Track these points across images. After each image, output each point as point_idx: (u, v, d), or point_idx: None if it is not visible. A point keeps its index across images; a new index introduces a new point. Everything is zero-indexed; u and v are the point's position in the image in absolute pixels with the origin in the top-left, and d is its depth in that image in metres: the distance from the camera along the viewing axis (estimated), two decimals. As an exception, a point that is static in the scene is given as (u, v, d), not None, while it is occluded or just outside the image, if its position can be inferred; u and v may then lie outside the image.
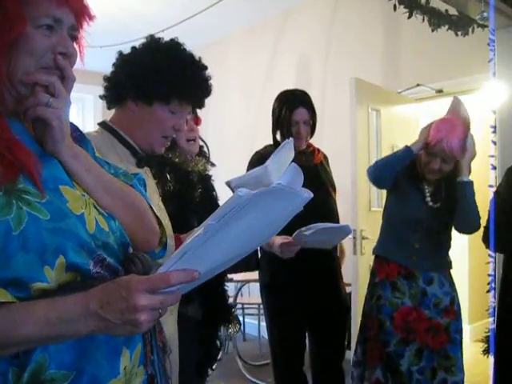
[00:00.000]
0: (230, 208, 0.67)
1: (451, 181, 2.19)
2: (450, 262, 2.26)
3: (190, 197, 1.77)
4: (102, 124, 1.45)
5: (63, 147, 0.82)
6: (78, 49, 0.87)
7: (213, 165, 2.02)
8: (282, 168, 1.75)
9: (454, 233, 2.28)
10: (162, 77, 1.34)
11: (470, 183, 2.12)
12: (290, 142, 1.70)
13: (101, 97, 1.45)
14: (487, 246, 2.23)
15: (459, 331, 2.16)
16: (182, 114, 1.42)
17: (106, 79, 1.43)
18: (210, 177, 1.98)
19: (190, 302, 1.73)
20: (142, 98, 1.37)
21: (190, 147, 1.89)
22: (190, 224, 1.65)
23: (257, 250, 1.94)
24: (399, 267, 2.17)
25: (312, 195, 0.71)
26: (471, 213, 2.13)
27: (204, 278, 0.76)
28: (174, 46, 1.40)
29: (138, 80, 1.35)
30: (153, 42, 1.41)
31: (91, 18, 0.87)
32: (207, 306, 1.80)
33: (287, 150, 1.68)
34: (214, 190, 1.99)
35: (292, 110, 2.35)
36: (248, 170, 2.36)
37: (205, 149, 2.05)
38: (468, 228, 2.20)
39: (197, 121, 1.97)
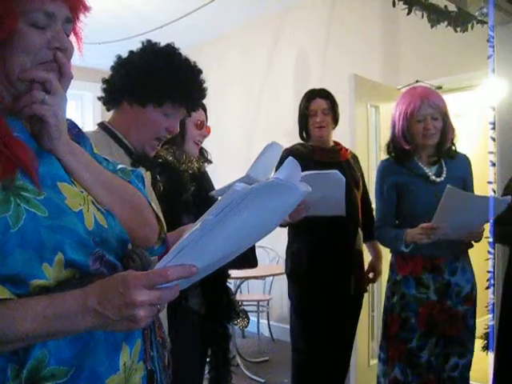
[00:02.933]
0: (228, 203, 0.67)
1: (448, 158, 2.24)
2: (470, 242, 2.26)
3: (177, 197, 1.78)
4: (101, 125, 1.48)
5: (60, 144, 0.82)
6: (76, 41, 0.86)
7: (209, 162, 2.03)
8: (268, 171, 1.75)
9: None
10: (154, 80, 1.38)
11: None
12: (271, 145, 1.72)
13: (99, 98, 1.49)
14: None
15: (474, 316, 2.16)
16: (175, 116, 1.46)
17: (105, 81, 1.47)
18: (204, 174, 1.97)
19: (192, 296, 1.74)
20: (136, 99, 1.41)
21: (193, 150, 1.91)
22: (177, 225, 1.65)
23: (254, 248, 1.94)
24: (425, 261, 2.11)
25: (310, 189, 0.71)
26: None
27: (202, 274, 0.76)
28: (169, 51, 1.44)
29: (132, 82, 1.40)
30: (148, 46, 1.45)
31: (87, 9, 0.86)
32: (210, 300, 1.81)
33: (271, 153, 1.69)
34: (210, 187, 1.97)
35: (309, 101, 2.50)
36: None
37: (203, 151, 2.06)
38: None
39: (206, 131, 1.99)
